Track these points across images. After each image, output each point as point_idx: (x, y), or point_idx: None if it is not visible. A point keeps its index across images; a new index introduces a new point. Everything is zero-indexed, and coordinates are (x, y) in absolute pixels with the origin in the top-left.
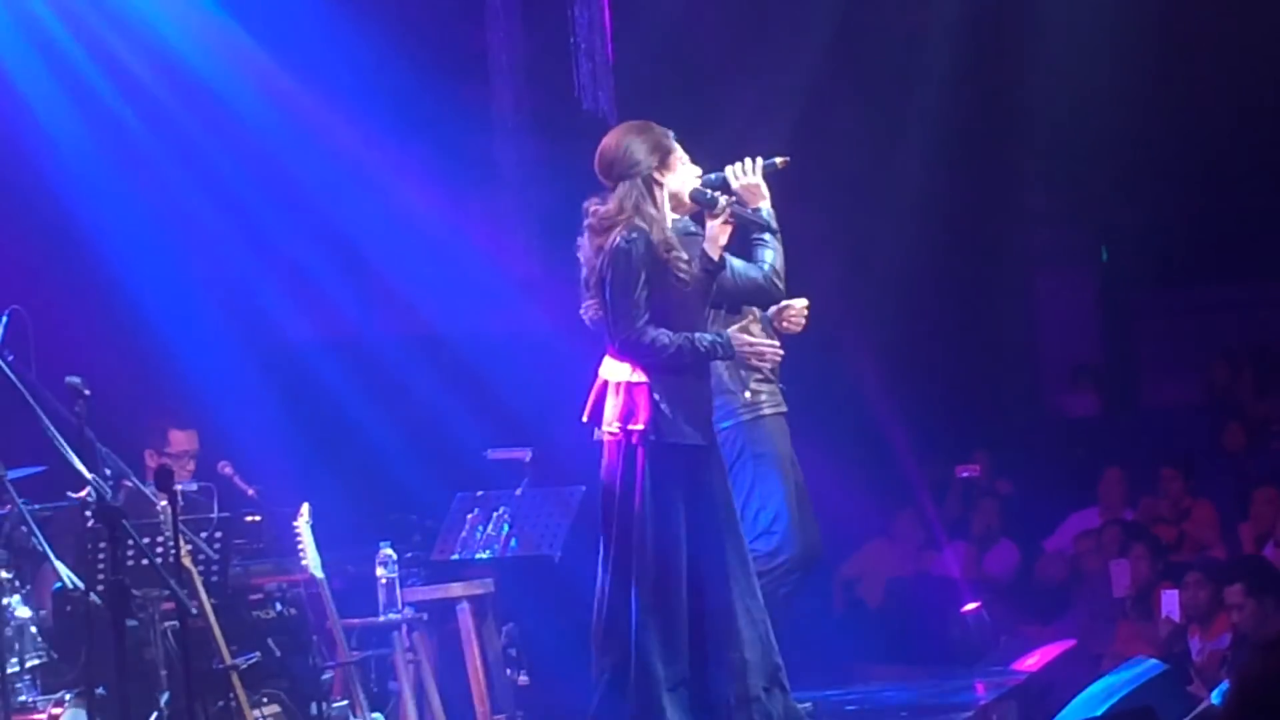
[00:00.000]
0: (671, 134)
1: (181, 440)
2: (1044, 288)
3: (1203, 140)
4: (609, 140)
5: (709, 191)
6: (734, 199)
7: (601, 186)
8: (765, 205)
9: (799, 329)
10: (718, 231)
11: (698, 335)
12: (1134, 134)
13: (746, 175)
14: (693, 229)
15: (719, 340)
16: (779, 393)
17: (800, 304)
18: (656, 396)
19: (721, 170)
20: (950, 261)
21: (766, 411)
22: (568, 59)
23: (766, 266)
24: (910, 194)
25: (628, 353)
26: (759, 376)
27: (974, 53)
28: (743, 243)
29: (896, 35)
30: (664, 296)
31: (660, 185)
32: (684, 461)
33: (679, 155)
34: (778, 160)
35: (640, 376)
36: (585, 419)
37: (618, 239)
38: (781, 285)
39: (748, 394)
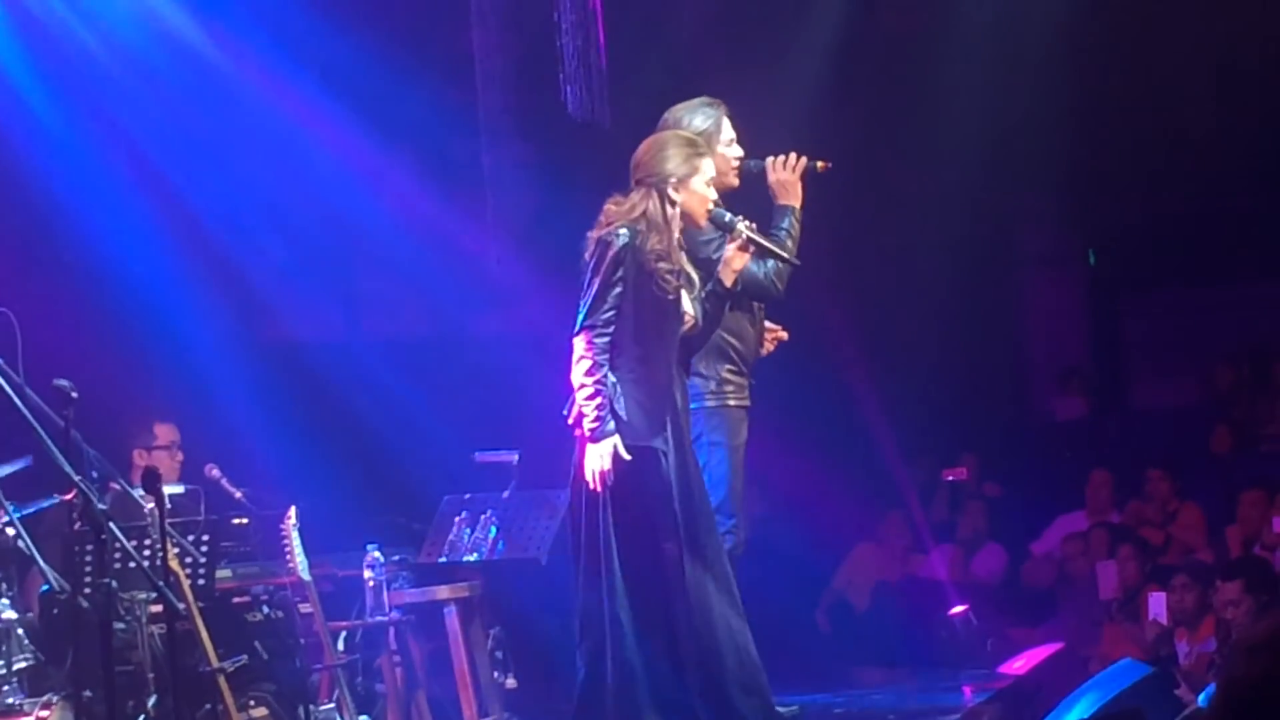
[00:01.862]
0: (708, 157)
1: (168, 432)
2: (1031, 290)
3: (1190, 142)
4: (649, 141)
5: (727, 215)
6: (752, 225)
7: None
8: (795, 205)
9: (765, 353)
10: (733, 256)
11: (606, 400)
12: (1121, 136)
13: (785, 171)
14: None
15: (605, 427)
16: (746, 387)
17: (782, 335)
18: (613, 395)
19: (762, 159)
20: (938, 264)
21: (731, 402)
22: (555, 62)
23: (770, 265)
24: (898, 196)
25: (574, 338)
26: (730, 368)
27: (963, 53)
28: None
29: (888, 38)
30: (641, 304)
31: (674, 202)
32: (643, 462)
33: (705, 178)
34: (819, 164)
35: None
36: (565, 411)
37: (607, 231)
38: (781, 288)
39: (713, 383)
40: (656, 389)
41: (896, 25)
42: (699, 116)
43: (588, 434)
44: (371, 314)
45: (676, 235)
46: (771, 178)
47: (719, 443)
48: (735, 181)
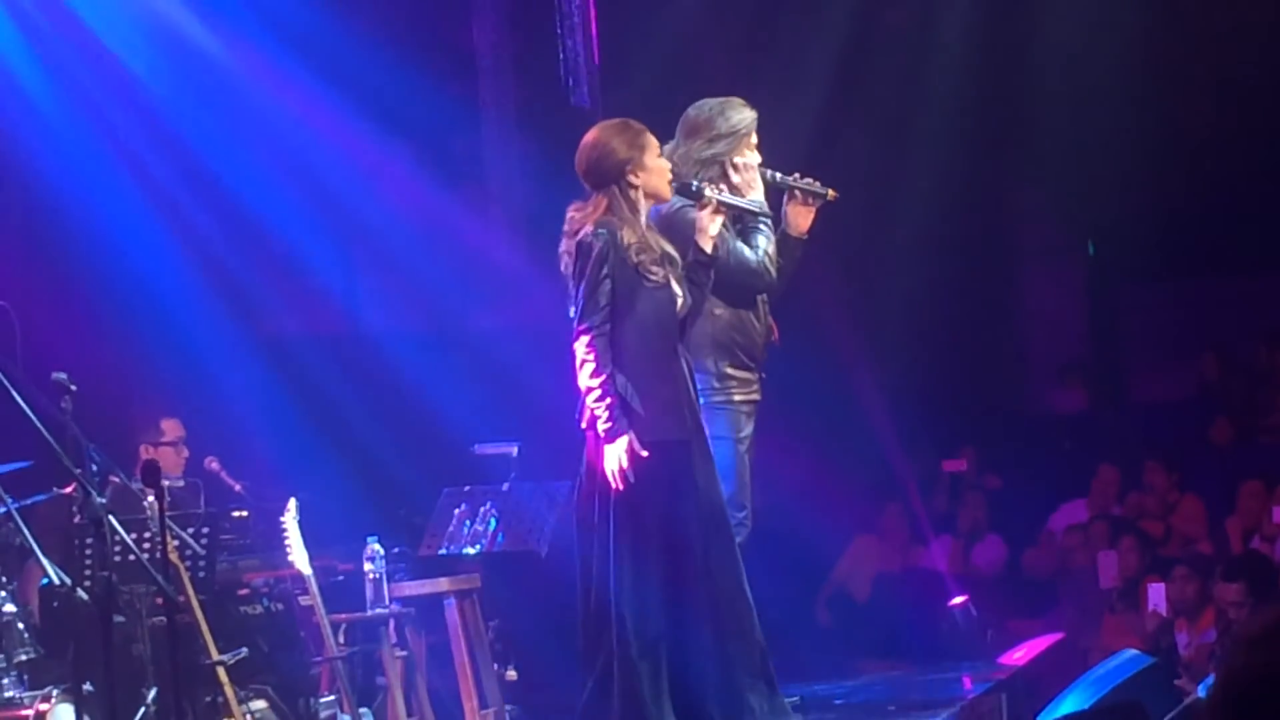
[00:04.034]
0: (646, 131)
1: (174, 427)
2: (1031, 282)
3: (1190, 134)
4: (586, 142)
5: (694, 184)
6: (719, 187)
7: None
8: (802, 236)
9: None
10: (707, 222)
11: (615, 398)
12: (1121, 128)
13: (804, 204)
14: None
15: (618, 427)
16: (754, 381)
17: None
18: (627, 394)
19: (777, 170)
20: (937, 257)
21: (737, 398)
22: (555, 55)
23: (760, 251)
24: (897, 190)
25: (574, 344)
26: (732, 363)
27: (960, 49)
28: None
29: (884, 32)
30: (634, 297)
31: (635, 188)
32: (660, 457)
33: (654, 151)
34: (829, 192)
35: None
36: (578, 417)
37: (584, 235)
38: (774, 271)
39: (715, 380)
40: (669, 378)
41: (895, 19)
42: (733, 114)
43: (601, 435)
44: (372, 307)
45: (645, 223)
46: (788, 207)
47: (722, 437)
48: None
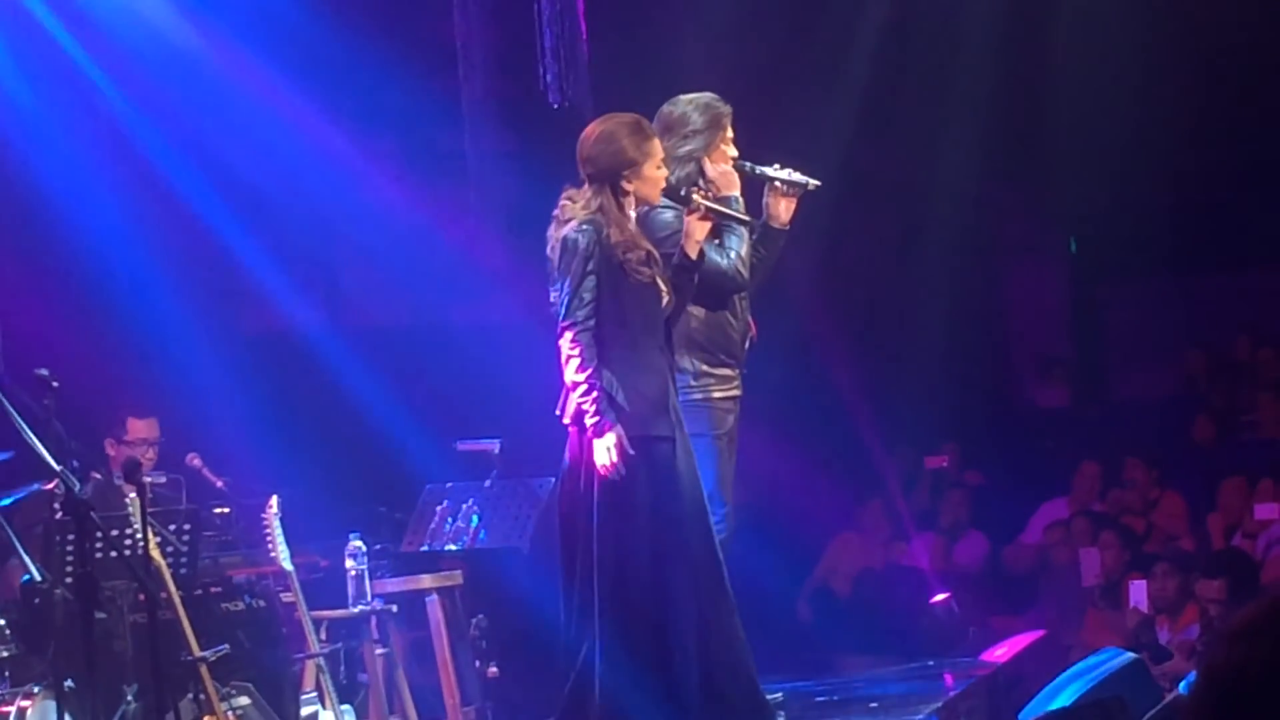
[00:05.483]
0: (655, 138)
1: (140, 429)
2: (1013, 279)
3: (1172, 131)
4: (594, 131)
5: (682, 189)
6: (706, 193)
7: (573, 176)
8: (784, 228)
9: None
10: (694, 228)
11: (602, 393)
12: (1101, 124)
13: (784, 196)
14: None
15: (606, 420)
16: (733, 377)
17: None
18: (613, 389)
19: (757, 163)
20: (920, 253)
21: (716, 395)
22: (537, 51)
23: (733, 254)
24: (879, 186)
25: (559, 340)
26: (707, 359)
27: (947, 45)
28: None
29: (872, 30)
30: (619, 294)
31: (628, 192)
32: (646, 453)
33: (656, 160)
34: (811, 182)
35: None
36: (558, 411)
37: (569, 230)
38: (745, 274)
39: (691, 377)
40: (653, 374)
41: (880, 17)
42: (703, 112)
43: (590, 430)
44: (353, 303)
45: (633, 223)
46: (769, 198)
47: (701, 434)
48: None
